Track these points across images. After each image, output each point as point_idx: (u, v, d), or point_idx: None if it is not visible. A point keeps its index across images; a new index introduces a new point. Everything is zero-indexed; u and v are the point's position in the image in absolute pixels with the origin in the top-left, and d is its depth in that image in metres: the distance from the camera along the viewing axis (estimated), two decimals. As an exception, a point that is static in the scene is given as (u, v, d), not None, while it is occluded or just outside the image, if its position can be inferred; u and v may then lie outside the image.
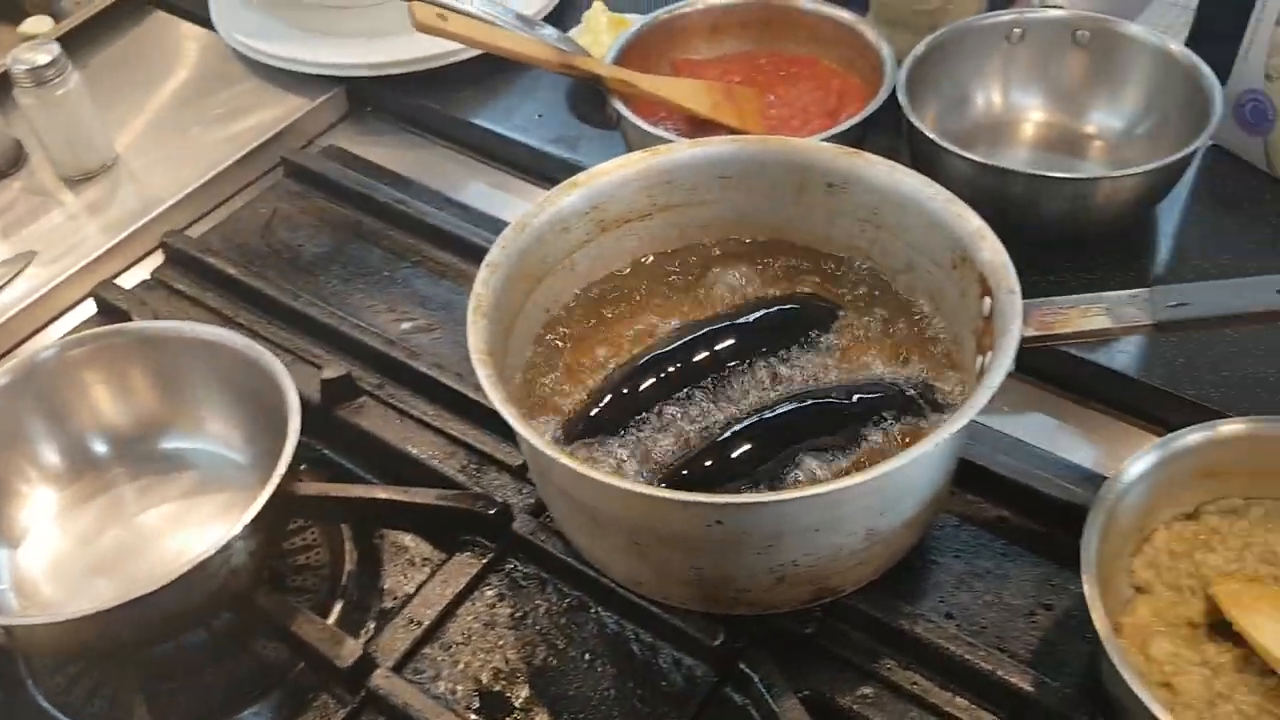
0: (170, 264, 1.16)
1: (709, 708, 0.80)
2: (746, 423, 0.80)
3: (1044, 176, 1.00)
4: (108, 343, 0.94)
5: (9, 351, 1.10)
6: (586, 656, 0.83)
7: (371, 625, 0.87)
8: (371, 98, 1.33)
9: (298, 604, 0.85)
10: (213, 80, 1.35)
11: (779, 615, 0.81)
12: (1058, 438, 0.94)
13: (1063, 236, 1.03)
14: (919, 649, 0.80)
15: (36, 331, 1.12)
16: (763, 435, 0.79)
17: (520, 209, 0.88)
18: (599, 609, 0.86)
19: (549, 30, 1.15)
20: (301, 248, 1.17)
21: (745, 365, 0.84)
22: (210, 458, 0.95)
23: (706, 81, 1.15)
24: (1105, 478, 0.79)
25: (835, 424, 0.80)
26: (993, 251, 0.80)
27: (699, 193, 0.92)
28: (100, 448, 0.95)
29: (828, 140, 0.99)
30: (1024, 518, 0.88)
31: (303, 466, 0.94)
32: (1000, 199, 0.97)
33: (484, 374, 0.75)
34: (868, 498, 0.72)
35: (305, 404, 0.87)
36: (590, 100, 1.22)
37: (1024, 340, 0.75)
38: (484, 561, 0.88)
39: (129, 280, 1.15)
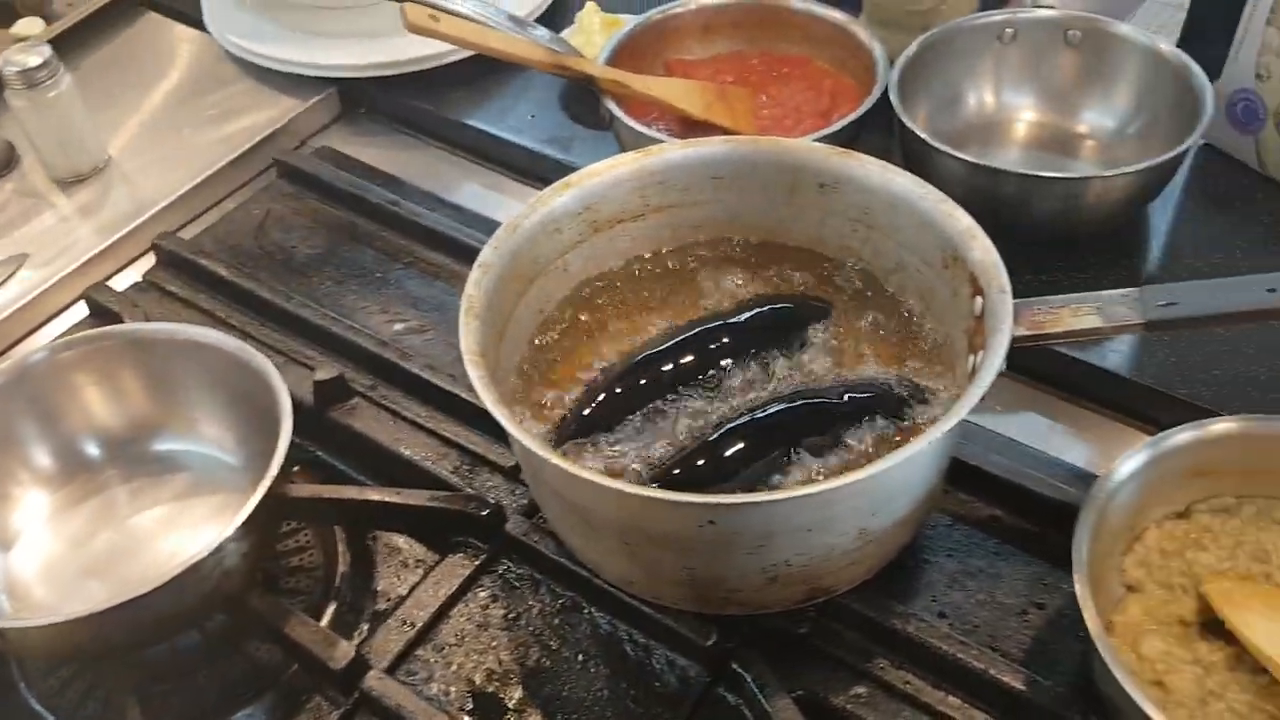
0: (162, 266, 1.16)
1: (702, 708, 0.80)
2: (738, 422, 0.80)
3: (1035, 176, 1.00)
4: (100, 345, 0.94)
5: (0, 354, 1.10)
6: (580, 657, 0.83)
7: (364, 627, 0.87)
8: (364, 99, 1.33)
9: (291, 606, 0.85)
10: (205, 81, 1.35)
11: (772, 615, 0.81)
12: (1049, 437, 0.94)
13: (1054, 236, 1.03)
14: (912, 648, 0.80)
15: (28, 334, 1.12)
16: (755, 435, 0.79)
17: (513, 210, 0.88)
18: (592, 610, 0.86)
19: (541, 31, 1.15)
20: (294, 249, 1.17)
21: (737, 365, 0.85)
22: (203, 460, 0.95)
23: (699, 82, 1.16)
24: (1097, 476, 0.79)
25: (827, 424, 0.80)
26: (984, 251, 0.80)
27: (691, 193, 0.92)
28: (92, 450, 0.95)
29: (820, 140, 0.99)
30: (1016, 517, 0.88)
31: (295, 468, 0.94)
32: (992, 199, 0.97)
33: (476, 375, 0.75)
34: (860, 497, 0.72)
35: (298, 405, 0.86)
36: (583, 101, 1.22)
37: (1015, 339, 0.76)
38: (477, 563, 0.88)
39: (121, 282, 1.15)
